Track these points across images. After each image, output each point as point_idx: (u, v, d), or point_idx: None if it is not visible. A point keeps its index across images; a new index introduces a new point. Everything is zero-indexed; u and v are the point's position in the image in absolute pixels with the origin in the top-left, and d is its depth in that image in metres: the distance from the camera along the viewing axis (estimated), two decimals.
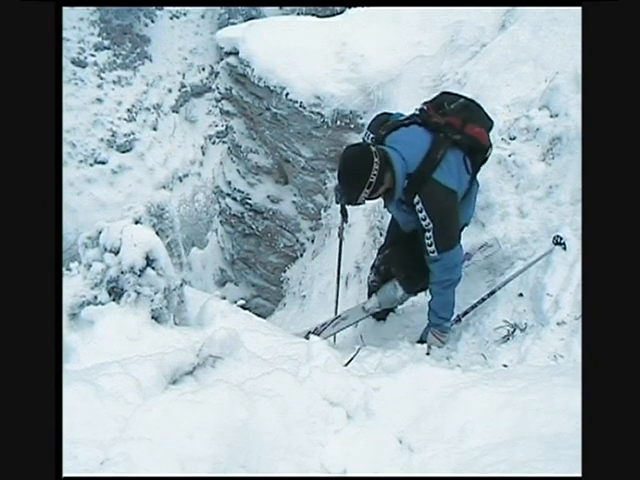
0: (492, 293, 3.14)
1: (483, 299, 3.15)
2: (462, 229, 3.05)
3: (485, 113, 2.95)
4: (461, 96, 2.99)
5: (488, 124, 2.93)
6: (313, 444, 1.59)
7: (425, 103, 2.95)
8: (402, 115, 3.03)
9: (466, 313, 3.17)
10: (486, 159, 2.98)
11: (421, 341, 3.14)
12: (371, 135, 2.99)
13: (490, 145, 2.91)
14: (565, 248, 3.03)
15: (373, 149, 2.67)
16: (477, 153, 2.86)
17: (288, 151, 6.13)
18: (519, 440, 1.47)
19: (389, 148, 2.74)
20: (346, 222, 3.39)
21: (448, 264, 2.78)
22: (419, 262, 2.98)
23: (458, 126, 2.77)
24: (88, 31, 20.02)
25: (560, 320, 2.71)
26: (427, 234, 2.72)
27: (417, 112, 2.91)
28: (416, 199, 2.69)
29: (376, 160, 2.61)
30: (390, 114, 3.10)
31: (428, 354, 2.96)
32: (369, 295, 3.52)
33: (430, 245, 2.73)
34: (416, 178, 2.68)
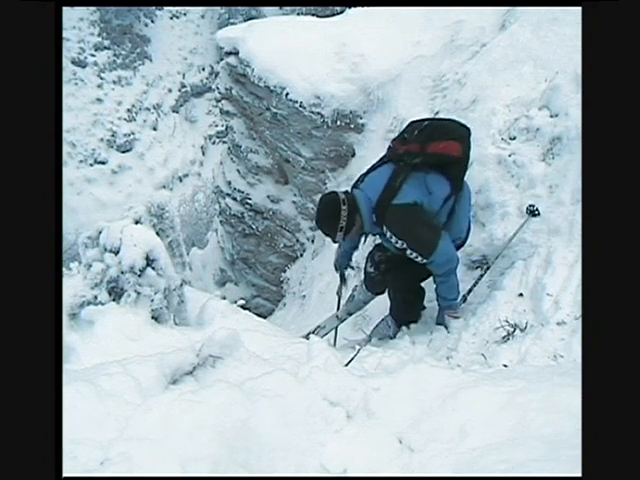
0: (487, 269, 3.35)
1: (482, 275, 3.35)
2: (460, 247, 3.21)
3: (458, 124, 3.06)
4: (426, 119, 3.18)
5: (461, 134, 3.00)
6: (313, 444, 1.59)
7: (393, 140, 3.17)
8: None
9: (470, 291, 3.32)
10: (466, 168, 3.07)
11: (439, 323, 3.30)
12: (354, 189, 3.23)
13: (463, 154, 2.98)
14: (539, 214, 3.24)
15: (342, 197, 3.00)
16: (449, 166, 2.97)
17: (288, 151, 6.13)
18: (519, 440, 1.46)
19: (358, 190, 3.03)
20: (345, 286, 3.77)
21: (440, 260, 2.93)
22: (415, 283, 3.27)
23: (417, 150, 2.94)
24: (88, 31, 20.03)
25: (560, 320, 2.71)
26: (408, 252, 2.94)
27: (386, 151, 3.15)
28: (384, 229, 2.94)
29: (344, 208, 2.95)
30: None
31: (449, 332, 3.13)
32: (367, 286, 3.62)
33: (417, 257, 2.94)
34: (379, 209, 2.93)
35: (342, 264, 3.64)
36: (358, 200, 2.99)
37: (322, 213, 3.11)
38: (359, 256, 4.48)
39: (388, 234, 2.93)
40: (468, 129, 3.04)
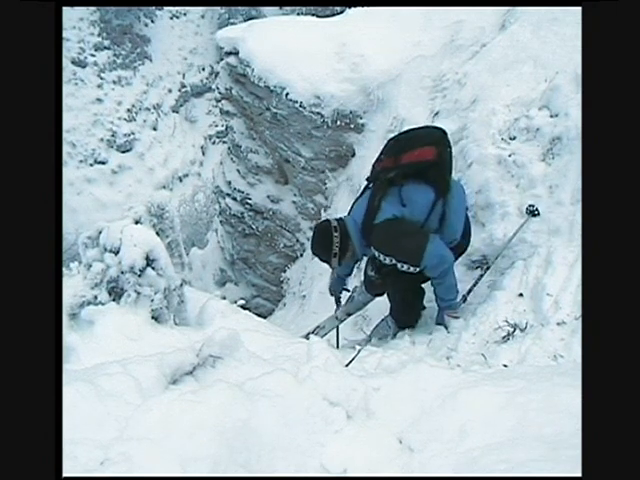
0: (487, 269, 3.36)
1: (481, 275, 3.35)
2: (462, 252, 3.23)
3: (433, 128, 3.11)
4: (401, 133, 3.21)
5: (435, 138, 2.95)
6: (313, 444, 1.59)
7: (374, 163, 3.18)
8: None
9: (470, 291, 3.32)
10: (446, 170, 3.00)
11: (439, 323, 3.32)
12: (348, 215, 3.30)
13: (438, 157, 2.90)
14: (539, 214, 3.26)
15: (334, 224, 3.13)
16: (427, 171, 2.92)
17: (288, 151, 6.13)
18: (519, 440, 1.46)
19: (348, 216, 3.16)
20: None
21: (431, 263, 2.93)
22: (415, 283, 3.27)
23: (391, 164, 2.97)
24: (88, 31, 20.03)
25: (560, 320, 2.71)
26: (398, 265, 2.95)
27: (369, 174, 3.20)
28: (372, 249, 3.00)
29: (335, 235, 3.09)
30: None
31: (449, 332, 3.15)
32: (367, 288, 3.61)
33: (409, 269, 2.95)
34: (366, 231, 3.01)
35: (337, 289, 3.72)
36: (348, 226, 3.10)
37: (316, 242, 3.26)
38: None
39: (376, 253, 2.98)
40: (443, 131, 3.00)
